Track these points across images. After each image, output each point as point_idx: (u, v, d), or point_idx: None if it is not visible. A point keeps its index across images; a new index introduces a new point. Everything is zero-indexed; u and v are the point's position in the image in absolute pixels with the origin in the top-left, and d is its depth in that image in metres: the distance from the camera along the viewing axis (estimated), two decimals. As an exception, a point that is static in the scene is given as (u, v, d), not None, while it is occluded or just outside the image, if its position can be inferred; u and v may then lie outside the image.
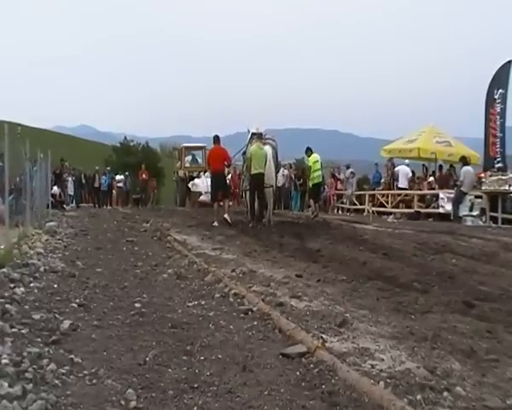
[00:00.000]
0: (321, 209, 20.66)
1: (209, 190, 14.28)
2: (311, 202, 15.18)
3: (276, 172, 13.14)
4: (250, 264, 6.65)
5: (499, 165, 14.36)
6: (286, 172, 19.58)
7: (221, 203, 12.26)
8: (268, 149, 11.93)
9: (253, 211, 11.74)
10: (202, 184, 19.17)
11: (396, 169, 18.58)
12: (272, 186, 12.06)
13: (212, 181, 12.35)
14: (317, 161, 14.40)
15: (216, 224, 11.35)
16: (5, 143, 7.49)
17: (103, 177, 24.81)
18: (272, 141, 12.72)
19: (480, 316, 4.16)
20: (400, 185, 18.00)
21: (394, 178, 19.04)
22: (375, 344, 3.47)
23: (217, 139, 12.27)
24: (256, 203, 11.79)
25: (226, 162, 12.13)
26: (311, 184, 14.64)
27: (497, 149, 14.62)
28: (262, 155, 11.50)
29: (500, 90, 14.68)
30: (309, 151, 14.37)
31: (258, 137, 12.06)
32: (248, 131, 12.87)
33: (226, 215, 11.55)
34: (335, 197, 20.99)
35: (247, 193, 12.30)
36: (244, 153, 13.12)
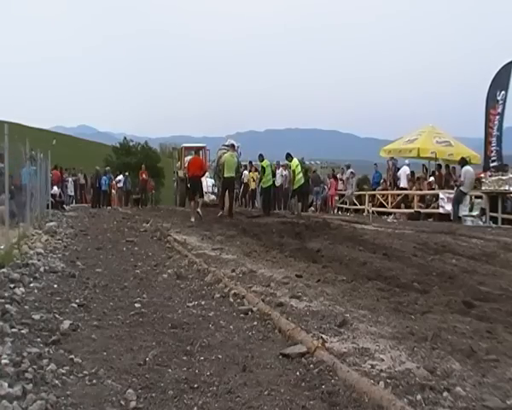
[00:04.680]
0: (321, 209, 20.71)
1: (209, 190, 17.66)
2: (295, 201, 16.85)
3: (239, 175, 17.19)
4: (250, 264, 6.65)
5: (495, 164, 14.38)
6: (285, 172, 19.54)
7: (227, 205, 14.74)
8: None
9: (223, 205, 14.44)
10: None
11: (398, 174, 18.65)
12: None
13: (190, 184, 14.71)
14: (298, 165, 16.27)
15: (193, 219, 13.19)
16: (5, 144, 7.48)
17: (103, 177, 24.83)
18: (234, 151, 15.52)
19: (479, 316, 4.16)
20: (401, 185, 18.07)
21: (395, 177, 19.06)
22: (375, 344, 3.47)
23: (197, 151, 16.18)
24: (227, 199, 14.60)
25: (202, 170, 14.70)
26: (295, 186, 16.10)
27: (493, 148, 14.62)
28: (233, 162, 14.21)
29: (503, 92, 14.68)
30: (289, 157, 16.22)
31: (231, 147, 14.88)
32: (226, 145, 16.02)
33: (199, 209, 13.66)
34: (336, 198, 20.99)
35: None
36: (217, 162, 16.25)
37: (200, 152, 19.99)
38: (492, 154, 14.63)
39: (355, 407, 2.53)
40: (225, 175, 14.09)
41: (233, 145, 15.02)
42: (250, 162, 22.62)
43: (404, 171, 18.40)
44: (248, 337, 3.68)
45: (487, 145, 14.87)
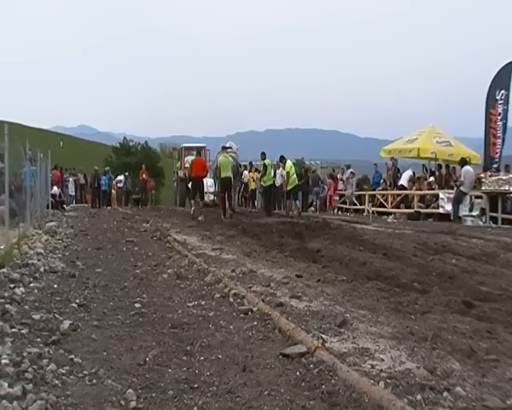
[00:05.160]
0: (321, 209, 20.71)
1: (209, 190, 17.88)
2: (289, 202, 17.34)
3: (239, 176, 17.38)
4: (250, 264, 6.65)
5: (496, 165, 14.37)
6: (284, 172, 19.52)
7: (228, 202, 15.25)
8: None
9: (225, 205, 14.80)
10: None
11: (403, 177, 18.65)
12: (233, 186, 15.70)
13: (191, 184, 15.37)
14: (292, 167, 16.89)
15: (199, 218, 14.02)
16: (5, 144, 7.48)
17: (103, 177, 24.84)
18: (233, 153, 15.99)
19: (479, 316, 4.16)
20: (401, 182, 18.11)
21: (395, 177, 19.04)
22: (375, 344, 3.47)
23: (198, 153, 17.32)
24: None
25: (204, 171, 15.60)
26: (289, 187, 16.67)
27: (497, 150, 14.62)
28: (228, 163, 14.60)
29: (502, 91, 14.67)
30: (283, 159, 17.00)
31: (222, 149, 15.27)
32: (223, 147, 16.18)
33: (200, 218, 14.09)
34: (336, 198, 21.00)
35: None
36: (216, 167, 16.39)
37: (201, 152, 20.18)
38: (496, 156, 14.62)
39: (355, 407, 2.53)
40: (222, 176, 14.59)
41: (224, 147, 15.55)
42: (250, 163, 22.62)
43: (408, 172, 18.44)
44: (248, 337, 3.68)
45: (490, 146, 14.84)
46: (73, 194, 25.87)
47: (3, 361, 2.89)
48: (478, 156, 17.98)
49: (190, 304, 4.68)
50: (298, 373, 2.98)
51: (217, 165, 15.06)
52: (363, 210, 18.98)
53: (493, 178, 13.34)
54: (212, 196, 19.46)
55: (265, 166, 16.78)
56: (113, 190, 25.93)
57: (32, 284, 5.14)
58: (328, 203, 21.13)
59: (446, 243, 8.77)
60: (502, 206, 13.21)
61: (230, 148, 16.11)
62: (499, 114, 14.72)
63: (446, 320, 4.00)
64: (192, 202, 15.22)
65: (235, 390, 2.73)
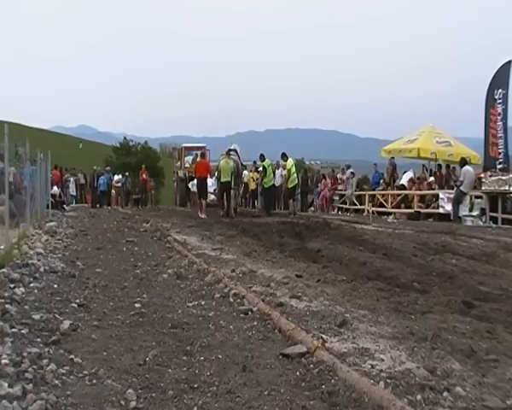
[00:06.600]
0: (321, 209, 20.72)
1: (209, 190, 18.17)
2: (290, 201, 17.32)
3: (238, 178, 17.11)
4: (250, 264, 6.65)
5: (501, 166, 14.32)
6: (284, 172, 19.51)
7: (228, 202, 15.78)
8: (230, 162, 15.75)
9: (223, 207, 15.55)
10: None
11: (404, 176, 18.64)
12: (233, 189, 15.95)
13: (197, 185, 16.48)
14: (293, 165, 16.97)
15: (202, 216, 14.90)
16: (5, 143, 7.48)
17: (102, 177, 24.82)
18: (234, 156, 16.35)
19: (479, 316, 4.16)
20: (402, 182, 18.13)
21: (394, 178, 19.05)
22: (375, 344, 3.47)
23: (202, 155, 17.44)
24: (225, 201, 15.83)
25: (208, 172, 16.64)
26: (289, 186, 16.72)
27: (500, 150, 14.58)
28: (229, 167, 15.28)
29: (501, 91, 14.64)
30: (285, 156, 16.92)
31: (226, 153, 15.92)
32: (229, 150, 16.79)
33: (203, 215, 14.96)
34: (336, 197, 21.00)
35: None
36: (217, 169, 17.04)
37: (204, 154, 20.30)
38: (499, 156, 14.57)
39: (355, 407, 2.53)
40: (222, 180, 15.33)
41: (229, 150, 16.16)
42: (254, 162, 22.58)
43: (409, 174, 18.46)
44: (248, 337, 3.68)
45: (491, 146, 14.79)
46: (74, 194, 25.88)
47: (3, 361, 2.89)
48: (478, 156, 17.97)
49: (190, 304, 4.68)
50: (298, 373, 2.98)
51: (218, 168, 15.65)
52: (363, 210, 18.97)
53: (493, 178, 13.32)
54: (212, 196, 19.53)
55: (265, 168, 16.88)
56: (112, 190, 25.93)
57: (32, 284, 5.14)
58: (324, 203, 21.15)
59: (446, 243, 8.77)
60: (502, 206, 13.20)
61: (235, 150, 16.69)
62: (499, 113, 14.69)
63: (446, 320, 4.00)
64: (199, 202, 16.11)
65: (235, 390, 2.74)
